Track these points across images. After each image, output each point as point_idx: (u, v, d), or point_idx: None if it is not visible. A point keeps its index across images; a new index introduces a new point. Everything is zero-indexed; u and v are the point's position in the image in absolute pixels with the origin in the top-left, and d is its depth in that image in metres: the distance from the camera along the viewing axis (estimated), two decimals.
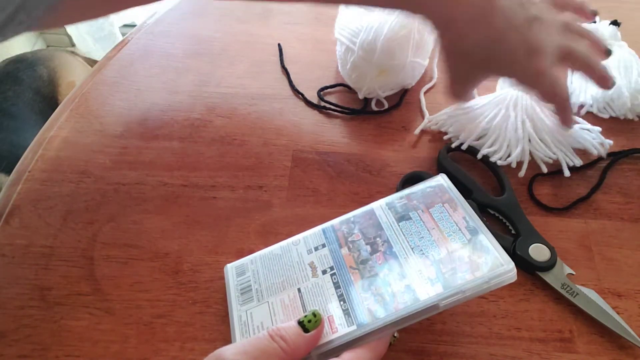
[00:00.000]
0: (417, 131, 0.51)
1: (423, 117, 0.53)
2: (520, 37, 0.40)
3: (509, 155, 0.47)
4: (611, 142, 0.49)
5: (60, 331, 0.39)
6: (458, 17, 0.40)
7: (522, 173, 0.47)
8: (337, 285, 0.36)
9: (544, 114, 0.49)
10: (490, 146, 0.48)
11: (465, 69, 0.44)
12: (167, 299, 0.41)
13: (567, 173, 0.47)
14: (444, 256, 0.35)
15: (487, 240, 0.36)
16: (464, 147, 0.49)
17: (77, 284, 0.42)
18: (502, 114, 0.49)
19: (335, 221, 0.41)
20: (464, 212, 0.38)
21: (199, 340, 0.39)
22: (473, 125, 0.49)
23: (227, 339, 0.39)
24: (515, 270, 0.34)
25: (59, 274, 0.42)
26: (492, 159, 0.47)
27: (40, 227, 0.45)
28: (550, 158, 0.48)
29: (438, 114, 0.52)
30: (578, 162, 0.48)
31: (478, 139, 0.49)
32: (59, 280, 0.42)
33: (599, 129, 0.50)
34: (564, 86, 0.43)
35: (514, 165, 0.47)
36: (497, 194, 0.46)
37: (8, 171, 0.50)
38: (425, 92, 0.55)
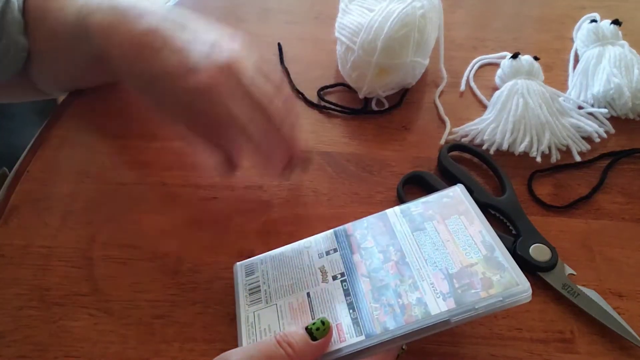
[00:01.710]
0: (442, 141, 0.51)
1: (444, 122, 0.52)
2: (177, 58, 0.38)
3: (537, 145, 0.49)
4: (613, 130, 0.50)
5: (59, 332, 0.39)
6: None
7: (553, 159, 0.48)
8: (347, 293, 0.36)
9: (552, 99, 0.50)
10: (523, 141, 0.48)
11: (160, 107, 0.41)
12: (166, 299, 0.41)
13: (577, 158, 0.48)
14: (458, 270, 0.34)
15: (502, 257, 0.35)
16: (504, 148, 0.49)
17: (76, 284, 0.41)
18: (521, 103, 0.49)
19: (348, 225, 0.40)
20: (481, 225, 0.37)
21: (198, 340, 0.39)
22: (502, 124, 0.49)
23: (227, 340, 0.38)
24: (530, 290, 0.33)
25: (58, 274, 0.42)
26: (532, 154, 0.48)
27: (39, 228, 0.45)
28: (562, 145, 0.49)
29: (464, 127, 0.51)
30: (586, 147, 0.49)
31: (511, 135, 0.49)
32: (58, 281, 0.42)
33: (605, 110, 0.51)
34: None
35: (547, 151, 0.48)
36: (498, 193, 0.46)
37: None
38: (438, 96, 0.55)
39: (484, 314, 0.33)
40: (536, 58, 0.52)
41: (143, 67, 0.39)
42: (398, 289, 0.35)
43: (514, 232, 0.43)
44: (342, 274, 0.37)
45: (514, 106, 0.49)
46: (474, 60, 0.57)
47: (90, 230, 0.45)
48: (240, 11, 0.64)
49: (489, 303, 0.32)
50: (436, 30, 0.54)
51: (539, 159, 0.48)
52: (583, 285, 0.40)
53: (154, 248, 0.43)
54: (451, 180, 0.46)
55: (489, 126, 0.50)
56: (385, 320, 0.33)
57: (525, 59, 0.52)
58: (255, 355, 0.30)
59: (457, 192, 0.39)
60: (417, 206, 0.39)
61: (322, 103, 0.54)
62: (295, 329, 0.33)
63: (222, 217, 0.45)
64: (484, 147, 0.49)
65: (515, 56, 0.52)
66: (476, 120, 0.51)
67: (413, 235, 0.38)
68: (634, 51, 0.54)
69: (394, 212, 0.40)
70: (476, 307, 0.32)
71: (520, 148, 0.48)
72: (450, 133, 0.51)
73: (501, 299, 0.32)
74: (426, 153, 0.50)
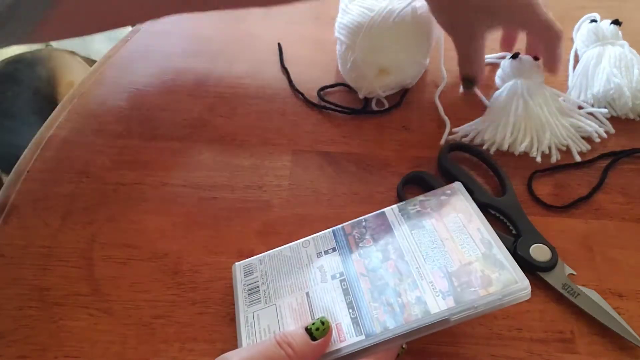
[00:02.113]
0: (442, 141, 0.50)
1: (444, 122, 0.52)
2: None
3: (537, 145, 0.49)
4: (613, 130, 0.50)
5: (59, 332, 0.39)
6: None
7: (553, 159, 0.48)
8: (346, 292, 0.36)
9: (552, 99, 0.50)
10: (523, 141, 0.48)
11: (463, 20, 0.46)
12: (166, 299, 0.41)
13: (577, 158, 0.48)
14: (456, 269, 0.34)
15: (501, 254, 0.34)
16: (504, 148, 0.49)
17: (76, 284, 0.41)
18: (521, 103, 0.49)
19: (347, 224, 0.40)
20: (479, 223, 0.37)
21: (198, 340, 0.39)
22: (503, 125, 0.49)
23: (227, 340, 0.38)
24: (529, 288, 0.33)
25: (58, 274, 0.42)
26: (532, 155, 0.48)
27: (39, 227, 0.45)
28: (562, 145, 0.49)
29: (464, 127, 0.51)
30: (586, 147, 0.49)
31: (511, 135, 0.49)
32: (58, 281, 0.42)
33: (606, 110, 0.51)
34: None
35: (547, 151, 0.48)
36: (498, 193, 0.46)
37: (7, 171, 0.50)
38: (438, 96, 0.54)
39: (483, 312, 0.33)
40: (536, 58, 0.52)
41: None
42: (397, 288, 0.35)
43: (514, 232, 0.43)
44: (341, 274, 0.37)
45: (514, 106, 0.49)
46: None
47: (90, 230, 0.45)
48: (241, 11, 0.64)
49: (489, 301, 0.32)
50: (436, 30, 0.54)
51: (539, 159, 0.48)
52: (583, 285, 0.40)
53: (154, 248, 0.43)
54: (451, 181, 0.45)
55: (489, 126, 0.50)
56: (384, 319, 0.33)
57: (526, 59, 0.52)
58: (255, 356, 0.30)
59: (455, 190, 0.40)
60: (415, 204, 0.39)
61: (322, 103, 0.54)
62: (294, 329, 0.33)
63: (222, 217, 0.45)
64: (484, 147, 0.49)
65: (515, 56, 0.52)
66: (476, 120, 0.51)
67: (411, 233, 0.38)
68: (634, 51, 0.54)
69: (392, 211, 0.40)
70: (475, 305, 0.32)
71: (521, 148, 0.48)
72: (450, 133, 0.51)
73: (500, 297, 0.32)
74: (426, 153, 0.50)
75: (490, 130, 0.49)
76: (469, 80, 0.50)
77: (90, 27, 0.48)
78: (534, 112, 0.49)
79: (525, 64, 0.52)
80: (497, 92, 0.52)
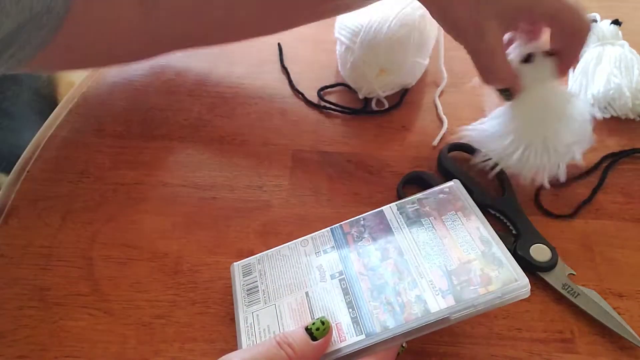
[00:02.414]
0: (435, 142, 0.50)
1: (441, 122, 0.52)
2: None
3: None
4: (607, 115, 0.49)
5: (59, 332, 0.39)
6: None
7: (563, 178, 0.45)
8: (345, 291, 0.35)
9: (569, 103, 0.47)
10: (531, 169, 0.44)
11: (467, 16, 0.40)
12: (166, 299, 0.41)
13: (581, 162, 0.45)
14: (456, 267, 0.34)
15: (500, 252, 0.35)
16: (512, 168, 0.45)
17: (76, 284, 0.41)
18: (525, 119, 0.44)
19: (345, 222, 0.40)
20: (478, 221, 0.37)
21: (198, 340, 0.39)
22: (508, 143, 0.44)
23: (227, 340, 0.38)
24: (529, 286, 0.33)
25: (58, 274, 0.42)
26: (539, 182, 0.45)
27: (39, 227, 0.45)
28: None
29: (462, 132, 0.49)
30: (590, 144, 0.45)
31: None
32: (58, 281, 0.42)
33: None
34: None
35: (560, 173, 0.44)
36: (498, 194, 0.46)
37: (7, 171, 0.50)
38: (438, 96, 0.54)
39: (483, 310, 0.33)
40: (549, 53, 0.48)
41: None
42: (397, 287, 0.35)
43: (514, 232, 0.43)
44: (340, 273, 0.37)
45: (519, 124, 0.45)
46: None
47: (90, 230, 0.45)
48: None
49: (488, 299, 0.33)
50: (436, 30, 0.54)
51: (547, 186, 0.45)
52: (583, 285, 0.40)
53: (153, 248, 0.43)
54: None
55: (495, 142, 0.46)
56: (385, 318, 0.33)
57: (542, 61, 0.48)
58: (256, 357, 0.30)
59: (453, 188, 0.40)
60: (414, 203, 0.39)
61: (322, 103, 0.54)
62: (295, 329, 0.33)
63: (222, 217, 0.45)
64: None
65: (528, 59, 0.50)
66: (478, 127, 0.48)
67: (410, 231, 0.37)
68: (634, 51, 0.54)
69: (390, 209, 0.40)
70: (475, 303, 0.32)
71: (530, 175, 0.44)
72: (451, 133, 0.51)
73: (500, 295, 0.33)
74: (426, 153, 0.50)
75: (488, 144, 0.46)
76: (503, 91, 0.43)
77: (93, 60, 0.48)
78: (551, 127, 0.44)
79: (539, 67, 0.44)
80: (496, 110, 0.47)
